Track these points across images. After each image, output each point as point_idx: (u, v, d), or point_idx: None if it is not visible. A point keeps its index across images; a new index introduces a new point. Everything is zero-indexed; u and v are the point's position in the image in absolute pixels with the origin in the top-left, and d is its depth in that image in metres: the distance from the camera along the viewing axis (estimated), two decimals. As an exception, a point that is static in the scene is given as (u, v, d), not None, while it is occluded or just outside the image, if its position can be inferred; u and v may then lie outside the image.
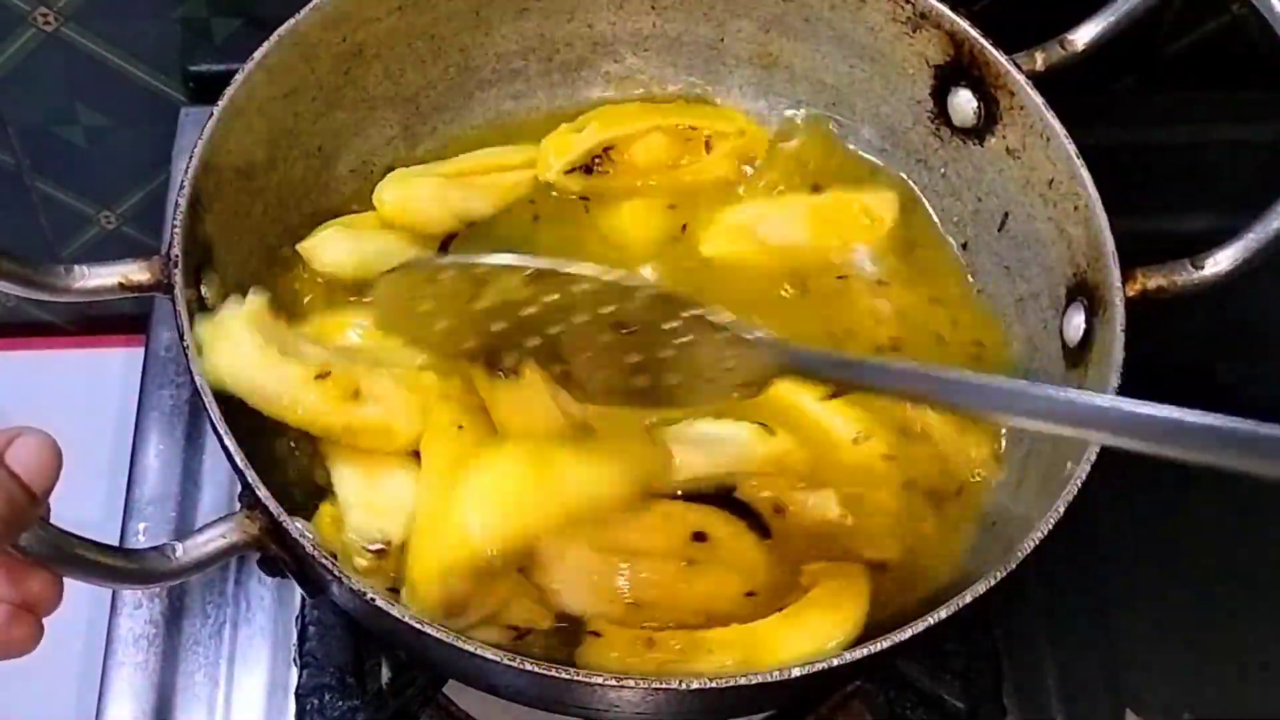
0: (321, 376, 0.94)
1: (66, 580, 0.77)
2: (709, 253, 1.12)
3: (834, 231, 1.13)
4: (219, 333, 0.93)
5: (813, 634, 0.92)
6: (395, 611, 0.81)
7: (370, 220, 1.10)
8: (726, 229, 1.13)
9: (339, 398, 0.94)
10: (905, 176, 1.17)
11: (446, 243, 1.10)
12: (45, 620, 0.77)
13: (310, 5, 1.04)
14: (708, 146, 1.17)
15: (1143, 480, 1.12)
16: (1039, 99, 1.04)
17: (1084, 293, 1.00)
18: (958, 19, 1.07)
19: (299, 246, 1.07)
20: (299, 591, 1.04)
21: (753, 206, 1.14)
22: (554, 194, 1.14)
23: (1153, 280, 0.97)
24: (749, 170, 1.16)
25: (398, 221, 1.09)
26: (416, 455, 0.96)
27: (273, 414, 0.93)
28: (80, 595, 0.79)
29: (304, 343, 0.98)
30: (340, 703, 1.07)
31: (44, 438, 0.74)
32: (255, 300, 0.97)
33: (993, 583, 0.85)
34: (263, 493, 0.84)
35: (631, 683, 0.81)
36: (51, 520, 0.75)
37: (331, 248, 1.07)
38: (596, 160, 1.15)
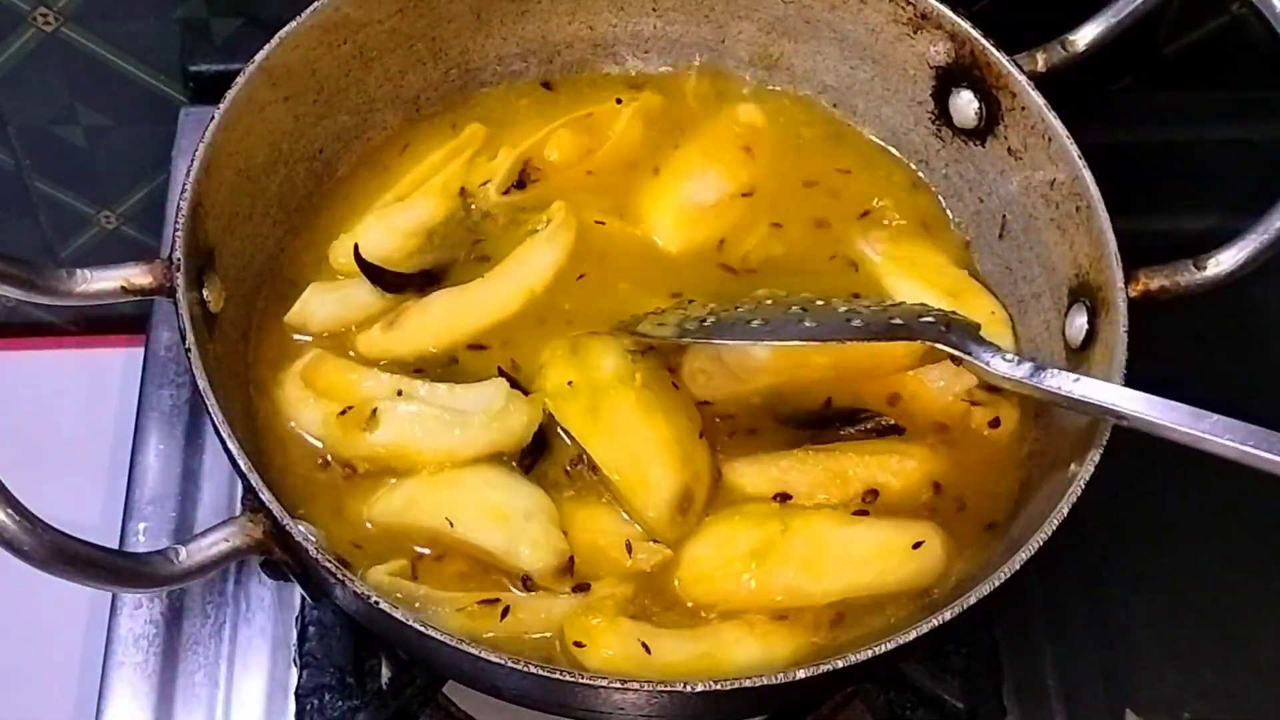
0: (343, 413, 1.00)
1: (66, 581, 0.77)
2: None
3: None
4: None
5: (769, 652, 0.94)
6: (399, 615, 0.82)
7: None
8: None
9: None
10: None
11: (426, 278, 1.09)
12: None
13: (311, 8, 1.04)
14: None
15: (1143, 481, 1.12)
16: (1040, 99, 1.04)
17: (1086, 294, 1.00)
18: (959, 20, 1.07)
19: (285, 320, 1.06)
20: (299, 591, 1.04)
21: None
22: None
23: (1155, 281, 0.98)
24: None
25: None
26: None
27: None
28: (80, 595, 0.79)
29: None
30: (340, 703, 1.07)
31: None
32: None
33: (997, 584, 0.85)
34: (266, 495, 0.84)
35: (636, 685, 0.81)
36: (50, 518, 0.75)
37: (319, 308, 1.06)
38: (524, 174, 1.14)
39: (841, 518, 0.98)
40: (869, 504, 0.99)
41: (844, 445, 1.02)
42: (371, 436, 0.99)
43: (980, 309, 1.08)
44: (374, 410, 0.99)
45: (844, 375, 1.04)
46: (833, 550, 0.96)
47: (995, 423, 1.04)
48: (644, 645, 0.92)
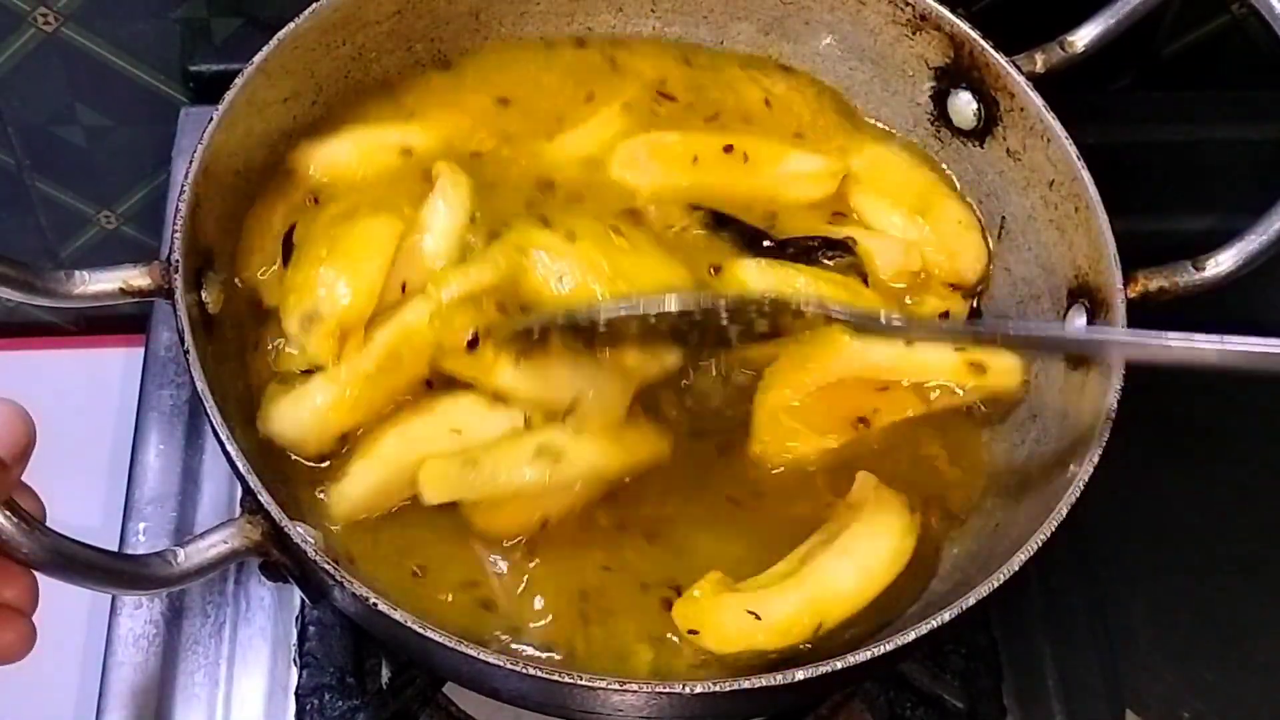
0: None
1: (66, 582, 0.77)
2: None
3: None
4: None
5: (865, 562, 0.94)
6: (398, 616, 0.81)
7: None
8: None
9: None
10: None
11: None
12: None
13: (310, 9, 1.04)
14: None
15: (1143, 481, 1.13)
16: (1039, 100, 1.04)
17: (1085, 294, 1.00)
18: (958, 20, 1.07)
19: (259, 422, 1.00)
20: (299, 592, 1.04)
21: None
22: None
23: (1154, 282, 0.98)
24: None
25: (344, 180, 1.06)
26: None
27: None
28: (80, 595, 0.79)
29: None
30: (340, 703, 1.07)
31: (12, 406, 0.76)
32: None
33: (997, 584, 0.85)
34: (265, 498, 0.84)
35: (634, 686, 0.81)
36: (50, 518, 0.75)
37: (286, 417, 0.99)
38: None
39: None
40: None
41: None
42: None
43: (948, 218, 1.09)
44: None
45: None
46: None
47: (994, 422, 1.04)
48: (753, 614, 0.91)
